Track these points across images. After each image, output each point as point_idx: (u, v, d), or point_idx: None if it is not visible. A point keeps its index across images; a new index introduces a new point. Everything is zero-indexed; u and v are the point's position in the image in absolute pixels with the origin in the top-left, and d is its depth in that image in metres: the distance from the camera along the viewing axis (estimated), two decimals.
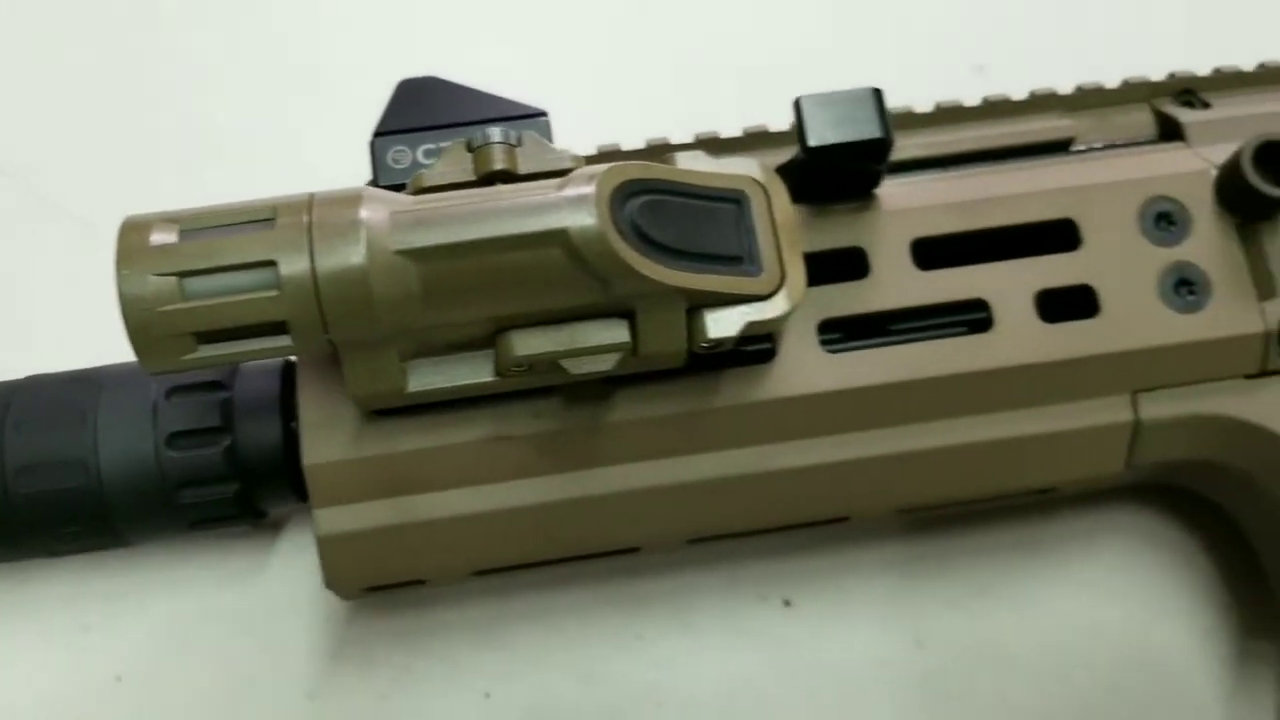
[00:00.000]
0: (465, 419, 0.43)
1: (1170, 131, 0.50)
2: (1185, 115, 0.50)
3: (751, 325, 0.41)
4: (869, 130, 0.43)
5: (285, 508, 0.48)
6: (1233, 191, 0.46)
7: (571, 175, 0.38)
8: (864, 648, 0.51)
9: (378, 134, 0.46)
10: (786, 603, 0.52)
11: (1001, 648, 0.51)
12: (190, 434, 0.45)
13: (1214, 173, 0.47)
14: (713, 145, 0.50)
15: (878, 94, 0.44)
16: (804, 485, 0.45)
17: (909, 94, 0.49)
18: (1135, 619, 0.51)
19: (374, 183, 0.45)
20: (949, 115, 0.51)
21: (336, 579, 0.44)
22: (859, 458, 0.45)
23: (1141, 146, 0.50)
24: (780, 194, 0.42)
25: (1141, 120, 0.52)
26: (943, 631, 0.51)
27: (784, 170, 0.46)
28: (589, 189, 0.37)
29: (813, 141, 0.43)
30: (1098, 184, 0.47)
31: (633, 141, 0.48)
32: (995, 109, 0.51)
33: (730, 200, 0.41)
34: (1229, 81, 0.52)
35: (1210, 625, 0.52)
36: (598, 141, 0.48)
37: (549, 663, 0.51)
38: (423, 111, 0.47)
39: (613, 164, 0.38)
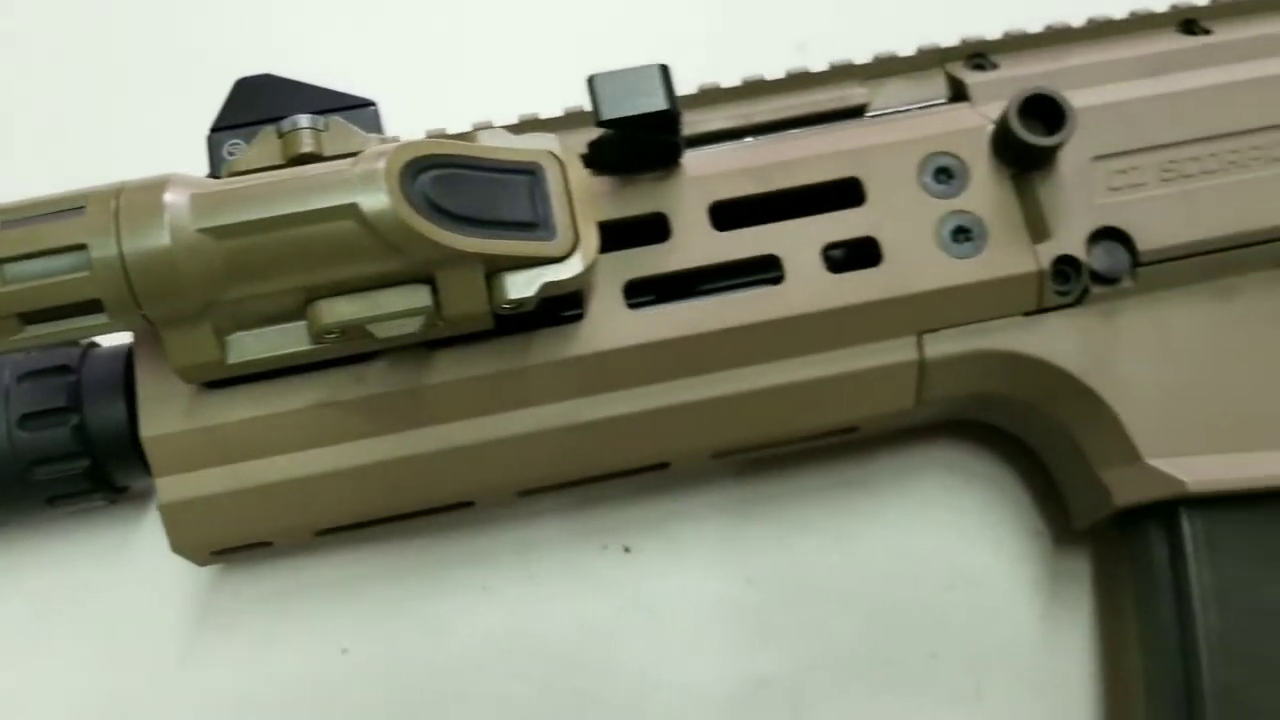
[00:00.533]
0: (293, 387, 0.46)
1: (958, 93, 0.54)
2: (970, 77, 0.54)
3: (548, 285, 0.44)
4: (655, 103, 0.47)
5: (144, 482, 0.51)
6: (1005, 144, 0.50)
7: (364, 154, 0.41)
8: (699, 587, 0.55)
9: (214, 129, 0.49)
10: (626, 549, 0.55)
11: (826, 580, 0.55)
12: (39, 415, 0.48)
13: (990, 128, 0.50)
14: (537, 124, 0.53)
15: (664, 69, 0.47)
16: (618, 435, 0.49)
17: (736, 71, 0.52)
18: (951, 548, 0.55)
19: (213, 175, 0.48)
20: (755, 89, 0.54)
21: (182, 544, 0.48)
22: (667, 406, 0.48)
23: (931, 108, 0.54)
24: (575, 166, 0.46)
25: (937, 84, 0.55)
26: (771, 568, 0.55)
27: (595, 145, 0.49)
28: (379, 165, 0.40)
29: (604, 115, 0.46)
30: (879, 144, 0.51)
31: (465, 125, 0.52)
32: (798, 81, 0.55)
33: (525, 172, 0.45)
34: (1017, 43, 0.56)
35: (1022, 550, 0.56)
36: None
37: (402, 617, 0.54)
38: (257, 107, 0.50)
39: (404, 142, 0.42)
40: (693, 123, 0.53)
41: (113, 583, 0.54)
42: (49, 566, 0.54)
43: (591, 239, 0.45)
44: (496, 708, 0.53)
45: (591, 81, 0.47)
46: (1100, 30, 0.55)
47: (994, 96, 0.52)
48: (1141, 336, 0.50)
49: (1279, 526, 0.49)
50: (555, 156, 0.46)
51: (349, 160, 0.41)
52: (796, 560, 0.55)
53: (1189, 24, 0.56)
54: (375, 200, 0.40)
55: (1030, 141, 0.48)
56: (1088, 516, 0.52)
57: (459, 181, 0.42)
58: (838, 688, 0.53)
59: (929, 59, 0.55)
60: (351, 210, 0.40)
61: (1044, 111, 0.49)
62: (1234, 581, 0.48)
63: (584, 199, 0.45)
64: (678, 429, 0.49)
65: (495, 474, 0.49)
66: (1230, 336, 0.50)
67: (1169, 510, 0.49)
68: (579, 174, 0.46)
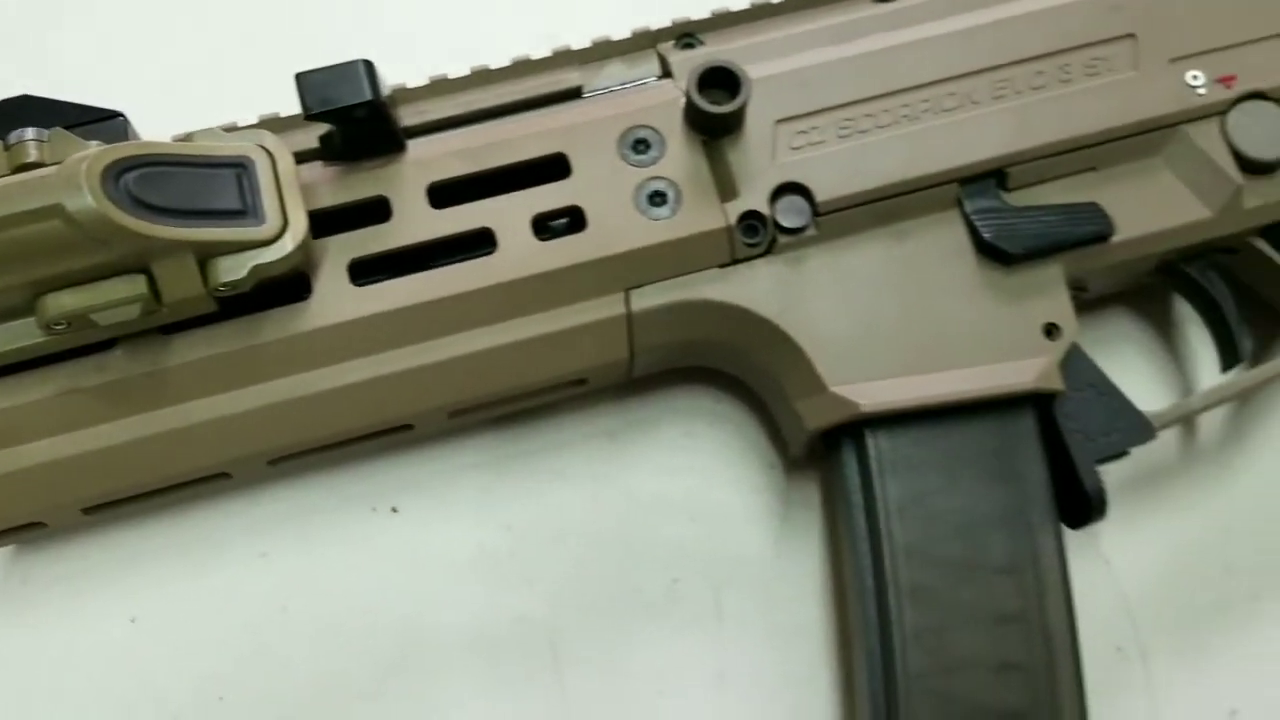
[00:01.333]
0: (39, 378, 0.51)
1: (666, 71, 0.59)
2: (675, 55, 0.59)
3: (258, 268, 0.49)
4: (359, 95, 0.51)
5: None
6: (693, 114, 0.55)
7: (69, 159, 0.46)
8: (463, 539, 0.60)
9: None
10: (394, 509, 0.60)
11: (578, 524, 0.60)
12: None
13: (683, 101, 0.55)
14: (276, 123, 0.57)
15: (368, 64, 0.52)
16: (354, 401, 0.53)
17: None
18: (693, 486, 0.60)
19: None
20: (480, 78, 0.59)
21: None
22: (396, 372, 0.53)
23: (638, 86, 0.59)
24: (285, 158, 0.51)
25: (650, 64, 0.60)
26: (528, 516, 0.60)
27: (323, 138, 0.54)
28: (80, 167, 0.45)
29: (310, 109, 0.51)
30: (582, 122, 0.56)
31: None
32: (519, 69, 0.59)
33: (234, 165, 0.49)
34: (722, 22, 0.61)
35: (758, 482, 0.61)
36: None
37: (186, 585, 0.58)
38: (12, 126, 0.55)
39: (106, 147, 0.46)
40: (420, 112, 0.57)
41: None
42: None
43: (300, 222, 0.50)
44: (279, 666, 0.57)
45: (298, 78, 0.51)
46: (799, 4, 0.61)
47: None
48: (826, 279, 0.55)
49: (954, 440, 0.54)
50: (266, 150, 0.50)
51: (57, 166, 0.46)
52: (551, 507, 0.60)
53: None
54: (78, 200, 0.44)
55: (708, 110, 0.54)
56: (797, 444, 0.57)
57: (164, 178, 0.47)
58: (590, 618, 0.58)
59: (642, 41, 0.60)
60: (58, 210, 0.44)
61: (725, 82, 0.54)
62: (917, 491, 0.53)
63: (293, 187, 0.50)
64: (410, 392, 0.54)
65: (240, 446, 0.53)
66: (904, 273, 0.55)
67: (857, 431, 0.54)
68: (288, 165, 0.50)
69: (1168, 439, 0.61)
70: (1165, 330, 0.64)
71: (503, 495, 0.60)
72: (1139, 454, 0.59)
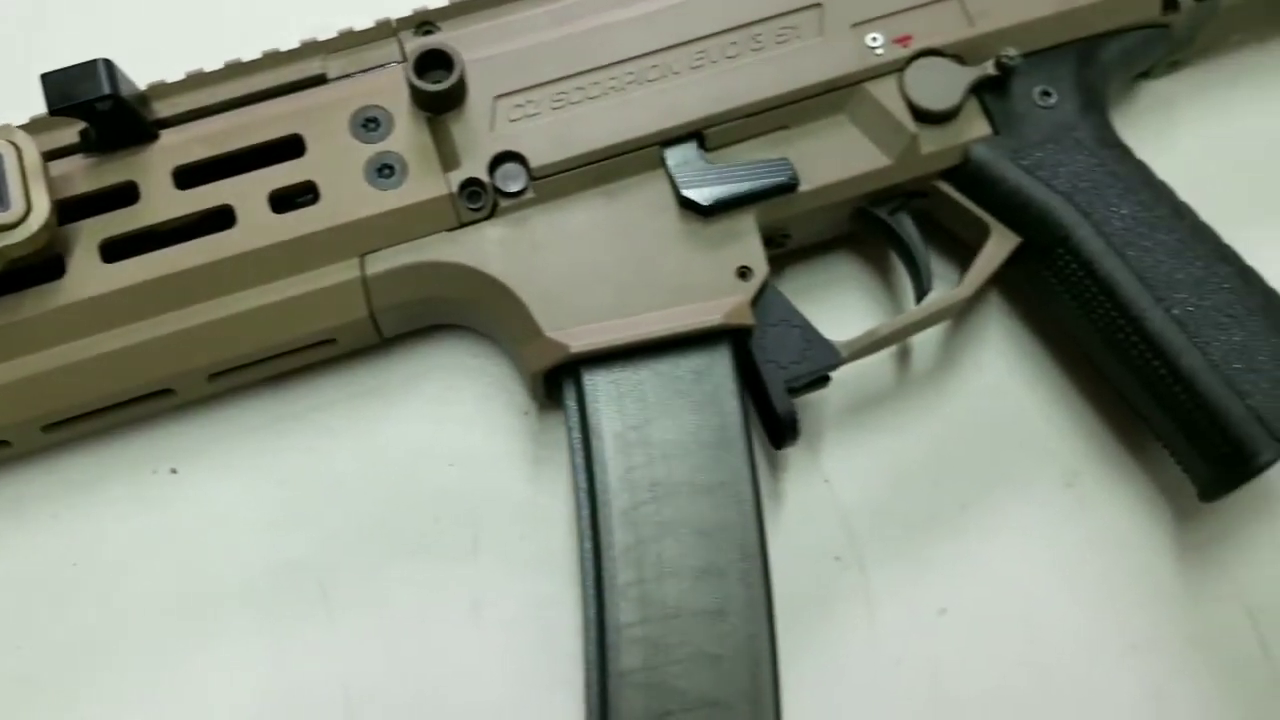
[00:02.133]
0: None
1: (404, 56, 0.64)
2: (410, 42, 0.64)
3: (3, 250, 0.54)
4: (98, 90, 0.57)
5: None
6: (415, 93, 0.61)
7: None
8: (239, 497, 0.65)
9: None
10: (173, 470, 0.65)
11: (346, 475, 0.65)
12: None
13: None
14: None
15: (107, 63, 0.57)
16: (111, 368, 0.59)
17: None
18: (453, 434, 0.66)
19: None
20: (233, 70, 0.64)
21: None
22: (148, 339, 0.59)
23: (378, 70, 0.64)
24: (31, 151, 0.56)
25: (393, 50, 0.66)
26: (300, 470, 0.65)
27: (82, 132, 0.60)
28: None
29: (51, 105, 0.56)
30: (317, 105, 0.61)
31: None
32: (270, 60, 0.65)
33: None
34: (461, 9, 0.66)
35: (512, 427, 0.67)
36: None
37: None
38: None
39: None
40: (174, 105, 0.63)
41: None
42: None
43: (43, 207, 0.55)
44: (71, 618, 0.63)
45: (42, 78, 0.57)
46: None
47: None
48: (545, 237, 0.61)
49: (662, 375, 0.60)
50: (13, 144, 0.56)
51: None
52: (322, 461, 0.65)
53: None
54: None
55: (424, 88, 0.59)
56: (533, 388, 0.63)
57: None
58: (356, 558, 0.64)
59: (384, 30, 0.66)
60: None
61: (442, 62, 0.60)
62: (630, 422, 0.59)
63: (38, 176, 0.55)
64: (164, 358, 0.59)
65: (10, 414, 0.59)
66: (615, 228, 0.61)
67: (574, 372, 0.60)
68: (33, 157, 0.56)
69: (885, 367, 0.68)
70: (884, 270, 0.70)
71: (277, 452, 0.66)
72: (859, 381, 0.66)
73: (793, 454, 0.66)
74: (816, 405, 0.67)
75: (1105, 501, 0.66)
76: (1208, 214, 0.65)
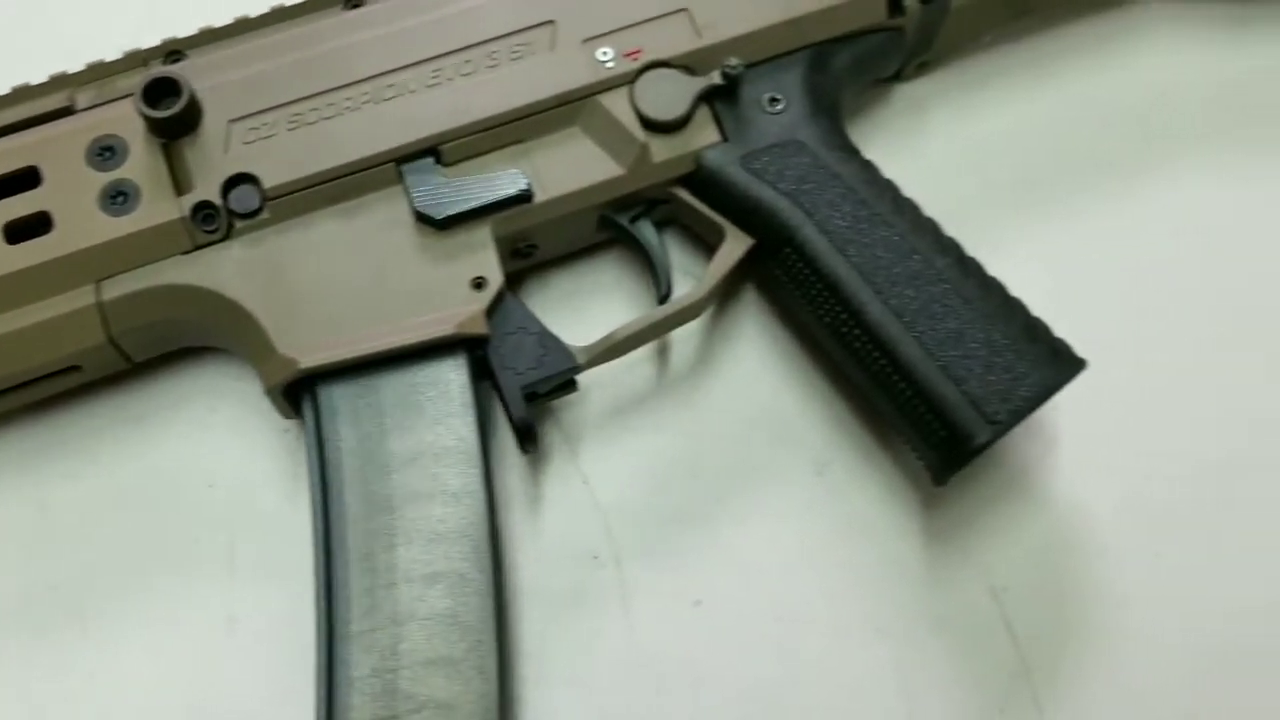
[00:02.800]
0: None
1: None
2: (156, 71, 0.66)
3: None
4: None
5: None
6: (146, 120, 0.62)
7: None
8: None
9: None
10: None
11: (108, 499, 0.66)
12: None
13: None
14: None
15: None
16: None
17: None
18: (213, 455, 0.68)
19: None
20: None
21: None
22: None
23: (121, 100, 0.65)
24: None
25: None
26: (63, 495, 0.66)
27: None
28: None
29: None
30: (55, 136, 0.63)
31: None
32: (18, 94, 0.66)
33: None
34: (207, 38, 0.68)
35: (272, 446, 0.68)
36: None
37: None
38: None
39: None
40: None
41: None
42: None
43: None
44: None
45: None
46: (276, 16, 0.68)
47: None
48: (282, 256, 0.62)
49: (400, 386, 0.62)
50: None
51: None
52: (84, 487, 0.67)
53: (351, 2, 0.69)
54: None
55: (150, 115, 0.61)
56: (278, 405, 0.65)
57: None
58: (116, 579, 0.65)
59: (134, 60, 0.67)
60: None
61: (172, 89, 0.62)
62: (366, 434, 0.61)
63: None
64: None
65: None
66: (353, 245, 0.63)
67: (310, 387, 0.61)
68: None
69: (645, 367, 0.70)
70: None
71: (39, 479, 0.67)
72: (619, 382, 0.69)
73: (553, 455, 0.68)
74: (577, 407, 0.69)
75: (854, 489, 0.69)
76: (952, 212, 0.67)
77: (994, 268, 0.65)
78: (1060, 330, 0.63)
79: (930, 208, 0.68)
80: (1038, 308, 0.64)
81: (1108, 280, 0.73)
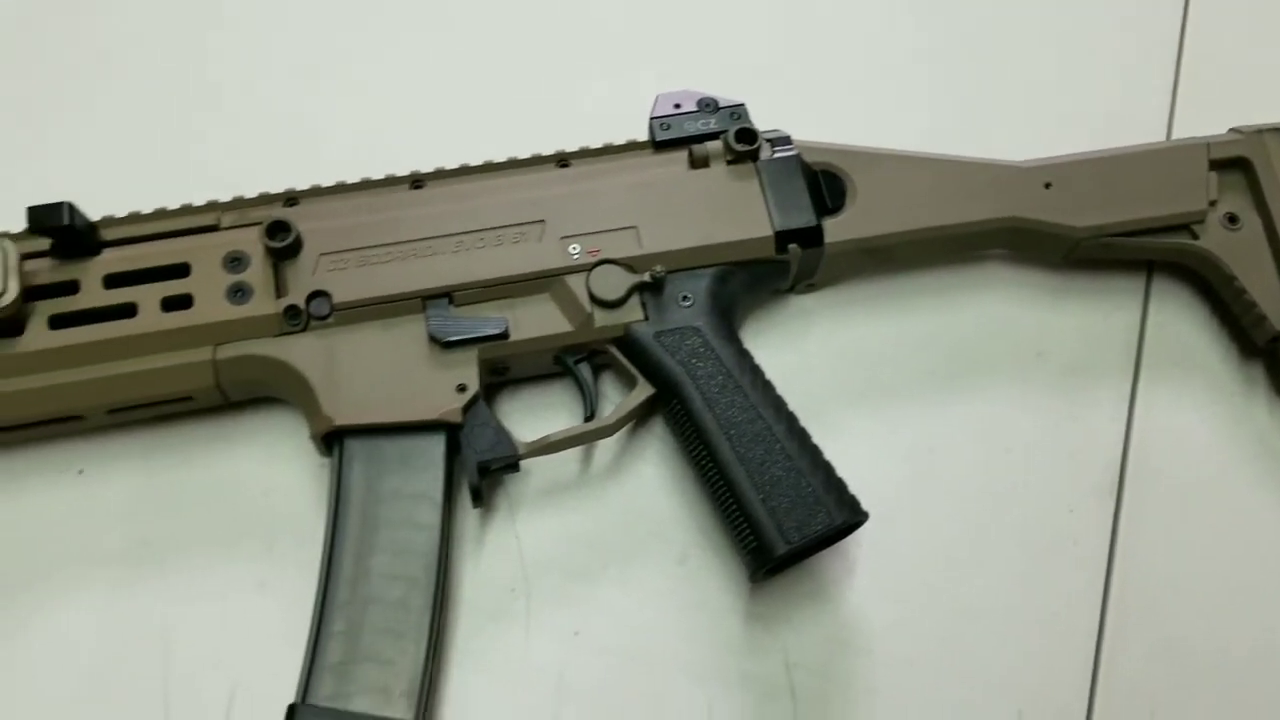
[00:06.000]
0: None
1: None
2: (277, 210, 0.98)
3: None
4: (59, 221, 0.90)
5: None
6: (265, 247, 0.95)
7: None
8: (136, 489, 0.97)
9: None
10: (79, 472, 0.98)
11: (192, 499, 0.98)
12: None
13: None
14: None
15: (70, 205, 0.91)
16: (47, 396, 0.90)
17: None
18: (274, 473, 0.97)
19: None
20: (160, 215, 0.97)
21: None
22: (71, 381, 0.89)
23: (253, 226, 0.98)
24: (12, 252, 0.89)
25: (269, 213, 1.00)
26: (167, 479, 0.98)
27: (53, 245, 0.94)
28: None
29: (31, 227, 0.90)
30: (203, 245, 0.94)
31: None
32: (185, 211, 0.99)
33: None
34: (317, 193, 1.00)
35: (314, 471, 0.99)
36: None
37: None
38: None
39: None
40: (116, 232, 0.96)
41: None
42: None
43: (14, 289, 0.88)
44: None
45: (28, 210, 0.91)
46: (361, 186, 1.00)
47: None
48: (338, 348, 0.93)
49: (400, 446, 0.92)
50: (2, 249, 0.90)
51: None
52: (180, 475, 0.97)
53: (417, 182, 1.02)
54: None
55: (268, 244, 0.93)
56: (320, 447, 0.96)
57: None
58: (190, 544, 0.95)
59: (264, 199, 0.99)
60: None
61: (285, 229, 0.94)
62: (371, 474, 0.92)
63: (14, 269, 0.89)
64: (81, 393, 0.90)
65: None
66: (386, 349, 0.93)
67: (340, 438, 0.92)
68: (14, 256, 0.89)
69: (573, 464, 0.99)
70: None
71: (153, 464, 0.96)
72: (554, 469, 0.97)
73: (498, 512, 0.97)
74: (521, 482, 0.98)
75: (703, 575, 0.96)
76: (810, 393, 0.97)
77: (822, 437, 0.93)
78: (869, 490, 0.91)
79: (795, 388, 0.96)
80: (853, 472, 0.92)
81: (915, 463, 1.01)
